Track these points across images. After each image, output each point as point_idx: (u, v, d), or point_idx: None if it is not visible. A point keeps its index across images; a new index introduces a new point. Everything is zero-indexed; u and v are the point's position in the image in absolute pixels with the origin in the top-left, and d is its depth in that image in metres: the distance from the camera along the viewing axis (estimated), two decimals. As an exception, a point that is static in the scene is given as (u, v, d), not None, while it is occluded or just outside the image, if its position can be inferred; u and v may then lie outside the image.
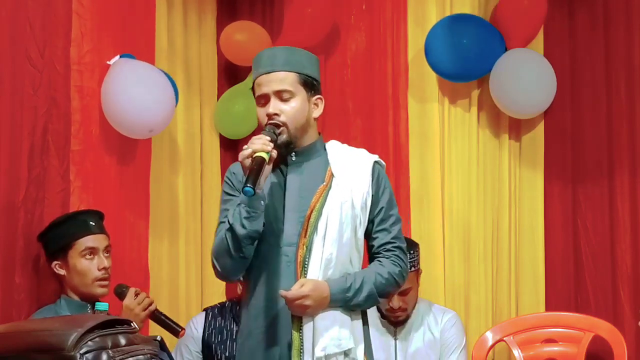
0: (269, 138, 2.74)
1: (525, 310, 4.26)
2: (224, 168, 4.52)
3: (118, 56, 3.72)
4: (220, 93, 4.57)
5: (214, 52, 4.56)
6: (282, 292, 2.73)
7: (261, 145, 2.70)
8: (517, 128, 4.38)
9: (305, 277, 2.77)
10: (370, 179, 2.89)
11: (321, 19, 4.41)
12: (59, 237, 3.22)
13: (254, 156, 2.69)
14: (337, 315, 2.79)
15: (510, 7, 4.23)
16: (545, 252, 4.32)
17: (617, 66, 4.23)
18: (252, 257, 2.82)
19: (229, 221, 2.78)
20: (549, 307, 4.27)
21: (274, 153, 2.74)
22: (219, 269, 2.86)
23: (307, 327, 2.76)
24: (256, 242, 2.80)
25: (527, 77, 4.15)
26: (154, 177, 4.08)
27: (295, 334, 2.77)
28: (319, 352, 2.73)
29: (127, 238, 3.85)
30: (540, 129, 4.36)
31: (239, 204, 2.76)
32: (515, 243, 4.33)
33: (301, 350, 2.75)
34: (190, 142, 4.39)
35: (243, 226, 2.75)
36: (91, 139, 3.63)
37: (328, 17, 4.43)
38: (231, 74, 4.68)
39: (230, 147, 4.63)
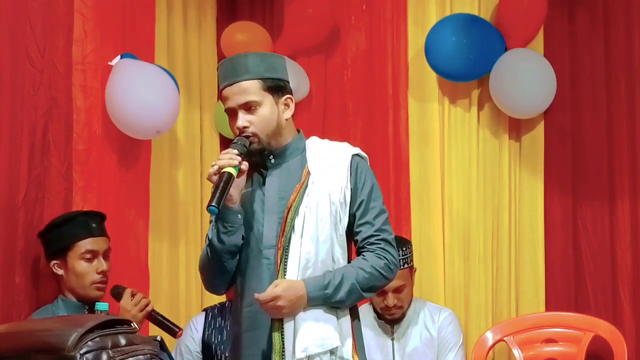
0: (236, 152, 2.72)
1: (525, 310, 4.26)
2: (224, 168, 4.52)
3: (119, 56, 3.72)
4: (220, 93, 4.55)
5: (214, 52, 4.56)
6: (256, 295, 2.70)
7: (227, 160, 2.69)
8: (517, 128, 4.38)
9: (285, 277, 2.74)
10: (348, 173, 2.84)
11: (321, 19, 4.42)
12: (59, 238, 3.21)
13: (221, 172, 2.68)
14: (319, 313, 2.74)
15: (510, 7, 4.23)
16: (545, 252, 4.32)
17: (617, 66, 4.23)
18: (238, 262, 2.81)
19: (208, 236, 2.79)
20: (549, 307, 4.27)
21: (244, 166, 2.72)
22: (204, 282, 2.89)
23: (288, 328, 2.73)
24: (237, 256, 2.79)
25: (527, 77, 4.15)
26: (154, 177, 4.08)
27: (276, 336, 2.73)
28: (299, 354, 2.69)
29: (127, 238, 3.85)
30: (540, 129, 4.35)
31: (216, 220, 2.75)
32: (515, 243, 4.33)
33: (282, 353, 2.72)
34: (191, 142, 4.39)
35: (221, 241, 2.74)
36: (95, 138, 3.63)
37: (328, 18, 4.43)
38: (231, 74, 4.67)
39: (230, 147, 4.63)
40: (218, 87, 4.50)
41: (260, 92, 2.81)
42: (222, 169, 2.69)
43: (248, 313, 2.80)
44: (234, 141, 2.78)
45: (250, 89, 2.80)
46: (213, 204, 2.63)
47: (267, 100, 2.82)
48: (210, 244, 2.77)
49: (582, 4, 4.32)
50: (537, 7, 4.18)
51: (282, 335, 2.73)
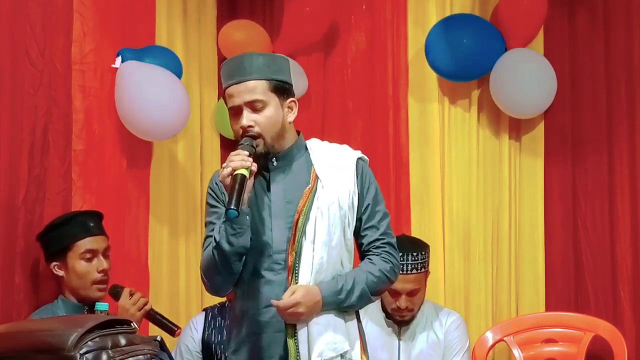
0: (247, 152, 2.70)
1: (525, 310, 4.26)
2: (224, 168, 4.51)
3: (120, 57, 3.72)
4: (220, 93, 4.55)
5: (214, 52, 4.55)
6: (274, 301, 2.70)
7: (240, 162, 2.67)
8: (517, 128, 4.38)
9: (297, 283, 2.74)
10: (355, 176, 2.86)
11: (321, 18, 4.41)
12: (58, 239, 3.21)
13: (234, 174, 2.66)
14: (330, 318, 2.77)
15: (510, 7, 4.23)
16: (545, 252, 4.32)
17: (617, 66, 4.23)
18: (243, 266, 2.80)
19: (215, 238, 2.76)
20: (549, 307, 4.27)
21: (254, 167, 2.71)
22: (208, 284, 2.85)
23: (302, 333, 2.74)
24: (244, 257, 2.78)
25: (527, 77, 4.15)
26: (154, 177, 4.08)
27: (290, 341, 2.74)
28: (315, 358, 2.71)
29: (127, 238, 3.85)
30: (540, 129, 4.36)
31: (224, 221, 2.73)
32: (515, 243, 4.33)
33: (297, 358, 2.73)
34: (190, 142, 4.38)
35: (230, 243, 2.72)
36: (94, 138, 3.63)
37: (328, 17, 4.43)
38: (231, 73, 4.67)
39: (230, 147, 4.59)
40: (218, 86, 4.56)
41: (267, 92, 2.80)
42: (234, 170, 2.67)
43: (260, 317, 2.78)
44: (241, 142, 2.76)
45: (257, 88, 2.79)
46: (232, 207, 2.62)
47: (273, 101, 2.81)
48: (218, 246, 2.74)
49: (582, 4, 4.32)
50: (537, 7, 4.18)
51: (295, 340, 2.74)
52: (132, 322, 2.08)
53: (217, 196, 2.87)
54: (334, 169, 2.85)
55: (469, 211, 4.34)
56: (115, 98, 3.69)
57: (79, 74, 3.57)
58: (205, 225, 2.90)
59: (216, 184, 2.87)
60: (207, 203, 2.91)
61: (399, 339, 3.83)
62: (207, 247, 2.82)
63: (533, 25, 4.26)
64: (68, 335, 1.90)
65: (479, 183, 4.36)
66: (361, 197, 2.86)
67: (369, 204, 2.87)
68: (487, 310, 4.30)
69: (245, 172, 2.67)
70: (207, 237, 2.85)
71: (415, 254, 3.68)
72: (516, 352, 3.99)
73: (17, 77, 3.29)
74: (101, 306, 2.94)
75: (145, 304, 3.27)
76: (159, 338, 2.17)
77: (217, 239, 2.74)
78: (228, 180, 2.67)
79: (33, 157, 3.34)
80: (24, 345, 1.95)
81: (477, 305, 4.29)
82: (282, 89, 2.83)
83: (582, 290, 4.27)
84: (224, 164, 2.71)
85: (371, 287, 2.82)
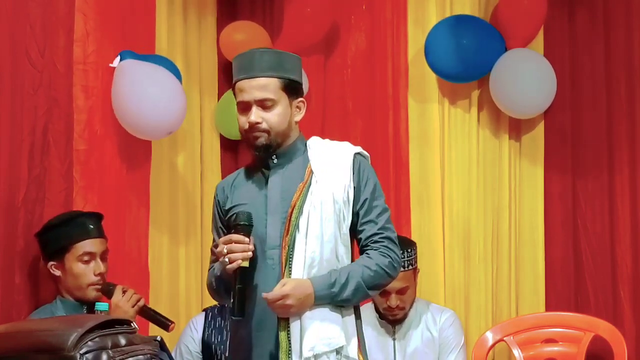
0: (247, 241, 2.75)
1: (525, 310, 4.26)
2: (224, 168, 4.52)
3: (118, 57, 3.72)
4: (220, 93, 4.56)
5: (214, 53, 4.55)
6: (264, 294, 2.71)
7: (242, 254, 2.72)
8: (517, 128, 4.38)
9: (290, 277, 2.75)
10: (351, 171, 2.85)
11: (321, 19, 4.41)
12: (57, 239, 3.20)
13: (237, 271, 2.72)
14: (325, 312, 2.75)
15: (510, 7, 4.23)
16: (545, 252, 4.32)
17: (617, 66, 4.23)
18: None
19: (215, 275, 2.86)
20: (549, 307, 4.27)
21: (252, 249, 2.76)
22: (212, 296, 3.02)
23: (295, 327, 2.73)
24: None
25: (527, 77, 4.15)
26: (154, 177, 4.08)
27: (282, 335, 2.73)
28: (307, 352, 2.69)
29: (127, 238, 3.85)
30: (540, 129, 4.35)
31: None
32: (515, 243, 4.33)
33: (289, 352, 2.72)
34: (190, 142, 4.39)
35: (227, 289, 2.83)
36: (96, 138, 3.62)
37: (328, 17, 4.43)
38: (231, 74, 4.64)
39: (230, 147, 4.63)
40: (219, 87, 4.57)
41: (278, 91, 2.81)
42: (239, 264, 2.71)
43: (255, 314, 2.80)
44: (240, 222, 2.78)
45: (269, 86, 2.80)
46: (238, 315, 2.74)
47: (283, 100, 2.82)
48: (216, 281, 2.86)
49: (582, 4, 4.32)
50: (537, 7, 4.18)
51: (288, 334, 2.73)
52: (132, 322, 2.08)
53: (219, 207, 2.95)
54: (330, 164, 2.85)
55: (469, 211, 4.34)
56: (112, 96, 3.68)
57: (82, 74, 3.56)
58: (213, 233, 3.00)
59: (217, 194, 2.96)
60: (213, 212, 2.99)
61: (394, 339, 3.84)
62: (210, 265, 2.94)
63: (533, 26, 4.26)
64: (68, 335, 1.90)
65: (479, 183, 4.36)
66: (358, 192, 2.85)
67: (366, 199, 2.85)
68: (487, 310, 4.30)
69: (246, 264, 2.73)
70: (214, 244, 2.94)
71: (401, 252, 3.68)
72: (516, 352, 3.99)
73: (17, 77, 3.29)
74: (101, 306, 2.94)
75: (139, 300, 3.26)
76: (159, 338, 2.17)
77: (216, 274, 2.85)
78: (228, 269, 2.74)
79: (33, 157, 3.34)
80: (24, 345, 1.95)
81: (477, 305, 4.29)
82: (293, 89, 2.85)
83: (582, 290, 4.27)
84: (224, 251, 2.73)
85: (367, 281, 2.79)
